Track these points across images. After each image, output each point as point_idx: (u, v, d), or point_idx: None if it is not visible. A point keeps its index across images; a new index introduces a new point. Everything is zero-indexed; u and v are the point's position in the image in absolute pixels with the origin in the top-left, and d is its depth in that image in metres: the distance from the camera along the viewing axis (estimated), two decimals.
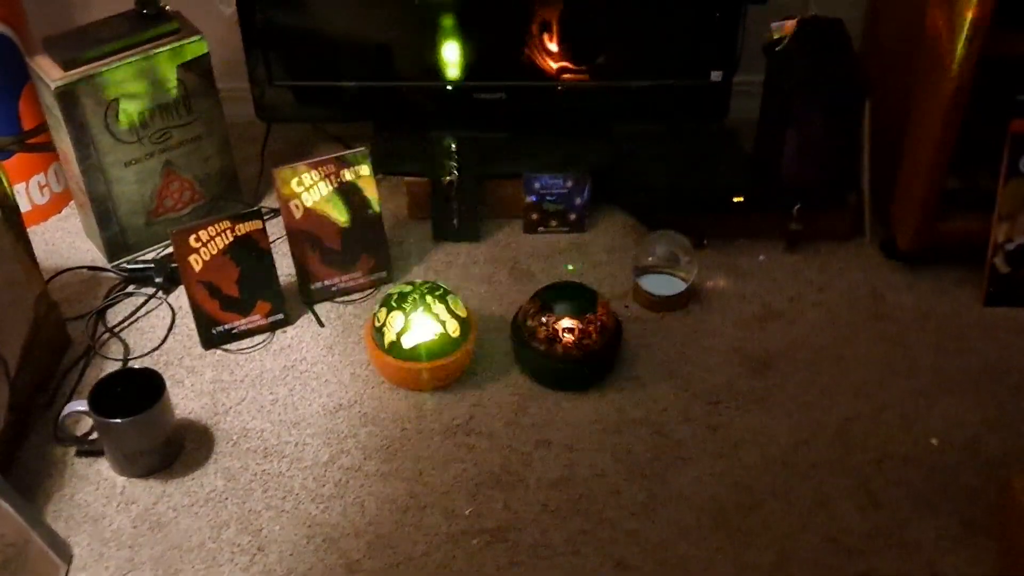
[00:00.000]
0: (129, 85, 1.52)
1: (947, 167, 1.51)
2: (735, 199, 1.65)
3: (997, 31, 1.40)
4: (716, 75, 1.67)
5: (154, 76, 1.54)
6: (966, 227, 1.57)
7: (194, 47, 1.56)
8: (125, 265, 1.63)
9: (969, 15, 1.38)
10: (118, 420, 1.27)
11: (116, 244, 1.64)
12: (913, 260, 1.63)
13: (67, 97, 1.48)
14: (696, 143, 1.75)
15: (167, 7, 1.58)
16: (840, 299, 1.59)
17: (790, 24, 1.59)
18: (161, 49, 1.53)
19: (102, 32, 1.53)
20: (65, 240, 1.71)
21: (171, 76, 1.56)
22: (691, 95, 1.71)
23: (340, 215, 1.54)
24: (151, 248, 1.67)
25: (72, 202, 1.75)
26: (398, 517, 1.28)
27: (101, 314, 1.56)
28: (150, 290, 1.59)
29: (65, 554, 1.22)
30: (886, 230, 1.65)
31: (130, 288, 1.60)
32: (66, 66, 1.48)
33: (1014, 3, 1.39)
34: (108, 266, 1.64)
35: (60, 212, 1.76)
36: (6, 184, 1.37)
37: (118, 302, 1.58)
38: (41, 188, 1.72)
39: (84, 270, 1.64)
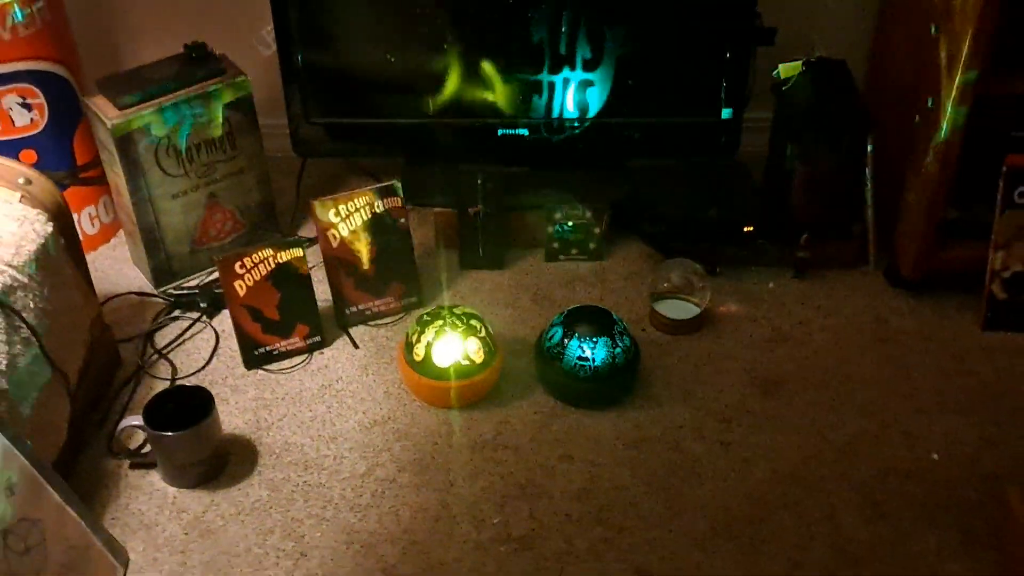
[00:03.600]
0: (178, 123, 1.63)
1: (946, 199, 1.60)
2: (746, 229, 1.73)
3: (993, 72, 1.48)
4: (727, 112, 1.76)
5: (202, 114, 1.65)
6: (965, 255, 1.65)
7: (238, 87, 1.67)
8: (171, 291, 1.73)
9: (966, 57, 1.47)
10: (171, 433, 1.37)
11: (163, 271, 1.74)
12: (915, 287, 1.71)
13: (122, 134, 1.59)
14: (708, 176, 1.83)
15: (213, 50, 1.69)
16: (846, 323, 1.67)
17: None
18: (208, 89, 1.64)
19: (154, 74, 1.64)
20: (114, 268, 1.81)
21: (217, 114, 1.66)
22: (704, 131, 1.80)
23: (374, 243, 1.63)
24: (194, 275, 1.77)
25: (120, 232, 1.85)
26: (431, 525, 1.37)
27: (149, 337, 1.66)
28: (195, 314, 1.69)
29: (122, 558, 1.30)
30: (890, 258, 1.73)
31: (176, 312, 1.70)
32: (121, 106, 1.59)
33: (1009, 45, 1.48)
34: (155, 292, 1.74)
35: (108, 242, 1.87)
36: (69, 215, 1.47)
37: (165, 325, 1.68)
38: (92, 219, 1.83)
39: (133, 296, 1.74)
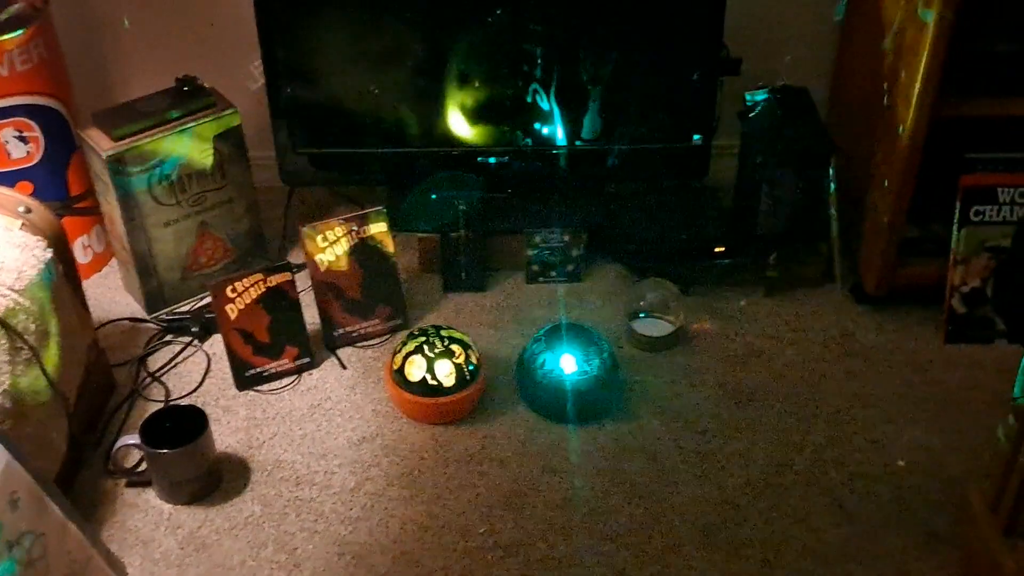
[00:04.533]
0: (171, 154, 1.69)
1: (906, 218, 1.68)
2: (717, 249, 1.81)
3: (946, 98, 1.57)
4: (697, 139, 1.84)
5: (193, 146, 1.71)
6: (926, 272, 1.73)
7: (228, 119, 1.73)
8: (164, 316, 1.78)
9: (918, 84, 1.56)
10: (167, 451, 1.41)
11: (155, 297, 1.79)
12: (879, 303, 1.78)
13: (116, 165, 1.65)
14: (680, 200, 1.91)
15: (204, 83, 1.75)
16: (814, 338, 1.74)
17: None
18: (200, 122, 1.70)
19: (146, 107, 1.70)
20: (106, 295, 1.86)
21: (208, 145, 1.72)
22: (675, 157, 1.87)
23: (360, 268, 1.69)
24: (185, 301, 1.82)
25: (112, 260, 1.90)
26: (420, 535, 1.42)
27: (143, 361, 1.70)
28: (187, 339, 1.74)
29: (120, 572, 1.34)
30: (855, 276, 1.81)
31: (168, 337, 1.75)
32: (115, 137, 1.65)
33: (960, 72, 1.57)
34: (147, 317, 1.79)
35: (101, 270, 1.91)
36: (67, 243, 1.53)
37: (157, 350, 1.73)
38: (85, 249, 1.88)
39: (126, 321, 1.79)
